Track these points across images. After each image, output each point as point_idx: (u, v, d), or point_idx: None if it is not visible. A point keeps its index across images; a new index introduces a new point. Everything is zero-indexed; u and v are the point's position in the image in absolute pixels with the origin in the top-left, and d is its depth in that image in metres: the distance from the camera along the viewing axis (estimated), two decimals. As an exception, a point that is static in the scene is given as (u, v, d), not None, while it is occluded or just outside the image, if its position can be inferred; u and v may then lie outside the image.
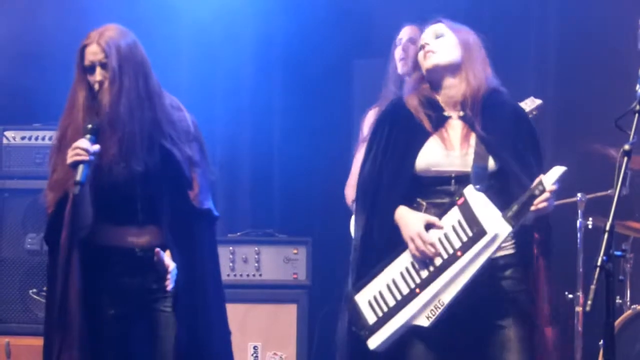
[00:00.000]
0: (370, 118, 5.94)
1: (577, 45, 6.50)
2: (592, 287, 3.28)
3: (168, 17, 6.30)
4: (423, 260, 3.98)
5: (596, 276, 3.31)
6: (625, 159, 3.48)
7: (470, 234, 3.97)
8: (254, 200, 6.86)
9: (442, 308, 3.93)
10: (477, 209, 3.98)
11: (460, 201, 4.00)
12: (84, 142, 3.92)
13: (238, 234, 6.49)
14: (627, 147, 3.49)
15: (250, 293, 6.18)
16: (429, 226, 3.99)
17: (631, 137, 3.53)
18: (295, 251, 6.27)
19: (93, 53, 4.02)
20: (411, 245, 3.98)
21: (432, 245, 3.96)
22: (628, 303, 5.89)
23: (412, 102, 4.15)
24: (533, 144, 4.16)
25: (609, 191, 5.64)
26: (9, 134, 6.07)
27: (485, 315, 4.01)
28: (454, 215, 4.00)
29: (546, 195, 3.91)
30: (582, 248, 5.85)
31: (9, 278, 5.94)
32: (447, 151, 4.05)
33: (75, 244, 4.00)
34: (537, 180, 3.94)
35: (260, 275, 6.26)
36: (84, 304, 3.99)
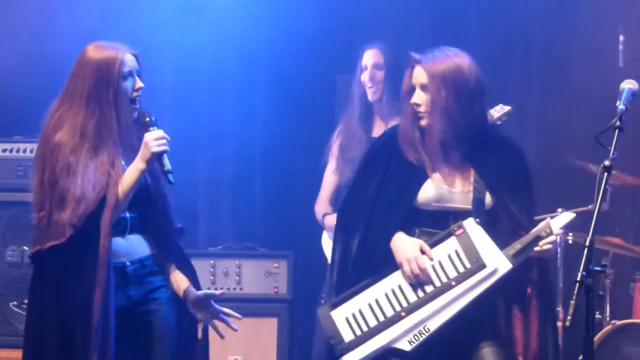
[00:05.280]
0: (338, 137, 5.93)
1: (560, 60, 6.53)
2: (572, 302, 3.30)
3: (151, 32, 6.30)
4: (413, 284, 3.98)
5: (576, 291, 3.32)
6: (606, 174, 3.50)
7: (468, 265, 3.96)
8: (235, 214, 6.85)
9: (426, 334, 3.91)
10: (477, 242, 3.97)
11: (459, 232, 3.99)
12: (162, 132, 3.95)
13: (219, 247, 6.47)
14: (607, 162, 3.51)
15: (231, 307, 6.12)
16: (422, 253, 4.00)
17: (611, 152, 3.55)
18: (276, 265, 6.26)
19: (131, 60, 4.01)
20: (405, 267, 3.97)
21: (425, 271, 3.97)
22: (607, 318, 5.89)
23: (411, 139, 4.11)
24: (527, 182, 4.17)
25: (589, 207, 5.65)
26: (-10, 146, 6.03)
27: (465, 335, 4.01)
28: (451, 244, 3.99)
29: (552, 238, 3.96)
30: (562, 263, 5.87)
31: (-11, 290, 5.92)
32: (448, 188, 4.06)
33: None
34: (544, 223, 3.98)
35: (241, 288, 6.25)
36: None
